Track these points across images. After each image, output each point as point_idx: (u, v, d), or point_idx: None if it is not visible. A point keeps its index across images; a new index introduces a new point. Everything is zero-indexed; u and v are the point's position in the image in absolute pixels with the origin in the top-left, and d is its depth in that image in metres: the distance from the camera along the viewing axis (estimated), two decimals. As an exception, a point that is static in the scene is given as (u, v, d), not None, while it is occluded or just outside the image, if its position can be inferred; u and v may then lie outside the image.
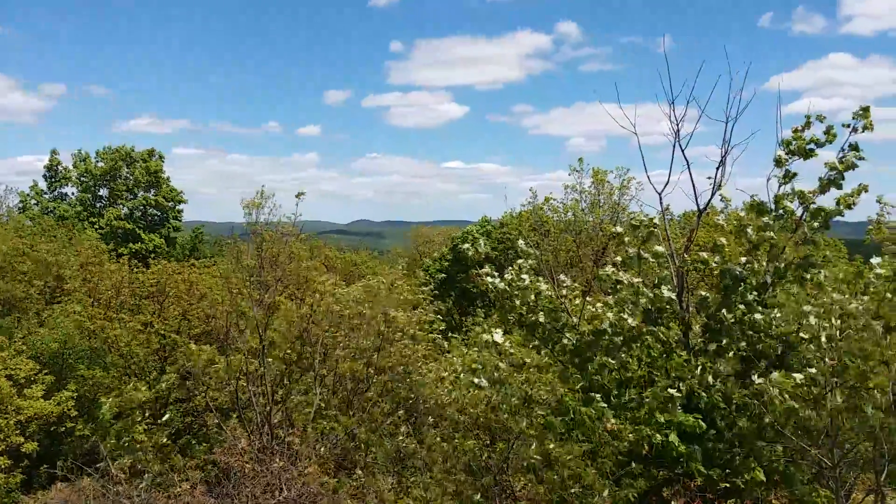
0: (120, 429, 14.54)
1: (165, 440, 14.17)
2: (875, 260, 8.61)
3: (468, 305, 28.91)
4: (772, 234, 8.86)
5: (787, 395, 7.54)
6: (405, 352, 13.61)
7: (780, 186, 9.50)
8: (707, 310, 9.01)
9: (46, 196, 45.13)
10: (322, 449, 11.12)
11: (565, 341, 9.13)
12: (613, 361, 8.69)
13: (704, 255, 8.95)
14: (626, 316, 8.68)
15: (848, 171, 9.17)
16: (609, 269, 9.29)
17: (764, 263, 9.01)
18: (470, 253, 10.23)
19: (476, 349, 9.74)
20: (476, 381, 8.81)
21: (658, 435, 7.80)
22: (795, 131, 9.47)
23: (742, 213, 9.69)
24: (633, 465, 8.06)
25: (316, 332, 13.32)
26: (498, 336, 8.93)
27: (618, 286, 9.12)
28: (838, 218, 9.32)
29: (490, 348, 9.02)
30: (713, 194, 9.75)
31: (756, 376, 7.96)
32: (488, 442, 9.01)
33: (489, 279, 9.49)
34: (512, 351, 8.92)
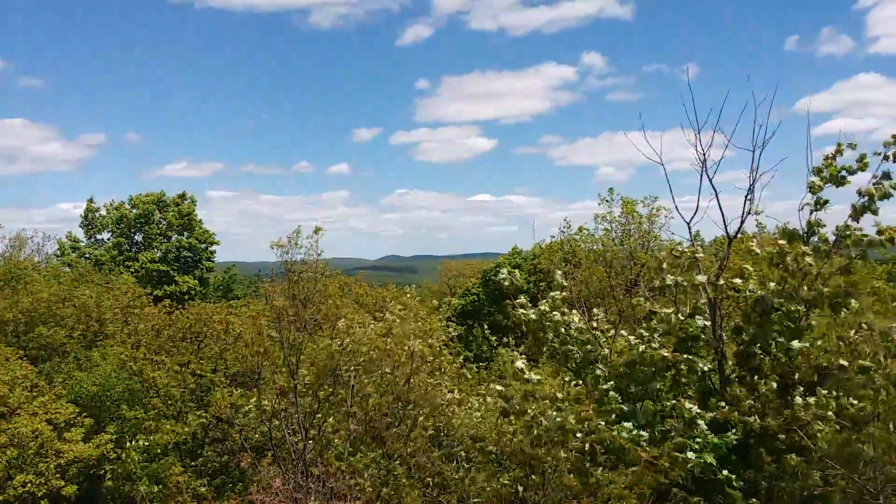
0: (155, 470, 14.68)
1: (203, 489, 14.25)
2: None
3: (500, 337, 28.86)
4: (810, 261, 8.75)
5: (830, 423, 7.40)
6: (432, 382, 13.62)
7: (811, 213, 9.41)
8: (741, 338, 8.90)
9: (83, 243, 46.34)
10: (356, 487, 11.11)
11: (598, 372, 9.08)
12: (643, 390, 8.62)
13: (738, 281, 8.87)
14: (655, 346, 8.61)
15: (883, 199, 9.06)
16: (642, 299, 9.23)
17: (802, 291, 8.89)
18: (506, 283, 10.28)
19: (504, 380, 9.72)
20: (506, 406, 8.76)
21: (693, 455, 7.68)
22: (827, 158, 9.40)
23: (778, 240, 9.60)
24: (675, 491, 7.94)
25: (346, 368, 13.42)
26: (520, 363, 8.90)
27: (652, 316, 9.06)
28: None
29: (518, 379, 9.00)
30: (742, 222, 9.70)
31: (798, 398, 7.83)
32: (522, 475, 8.95)
33: (521, 311, 9.50)
34: (537, 379, 8.88)
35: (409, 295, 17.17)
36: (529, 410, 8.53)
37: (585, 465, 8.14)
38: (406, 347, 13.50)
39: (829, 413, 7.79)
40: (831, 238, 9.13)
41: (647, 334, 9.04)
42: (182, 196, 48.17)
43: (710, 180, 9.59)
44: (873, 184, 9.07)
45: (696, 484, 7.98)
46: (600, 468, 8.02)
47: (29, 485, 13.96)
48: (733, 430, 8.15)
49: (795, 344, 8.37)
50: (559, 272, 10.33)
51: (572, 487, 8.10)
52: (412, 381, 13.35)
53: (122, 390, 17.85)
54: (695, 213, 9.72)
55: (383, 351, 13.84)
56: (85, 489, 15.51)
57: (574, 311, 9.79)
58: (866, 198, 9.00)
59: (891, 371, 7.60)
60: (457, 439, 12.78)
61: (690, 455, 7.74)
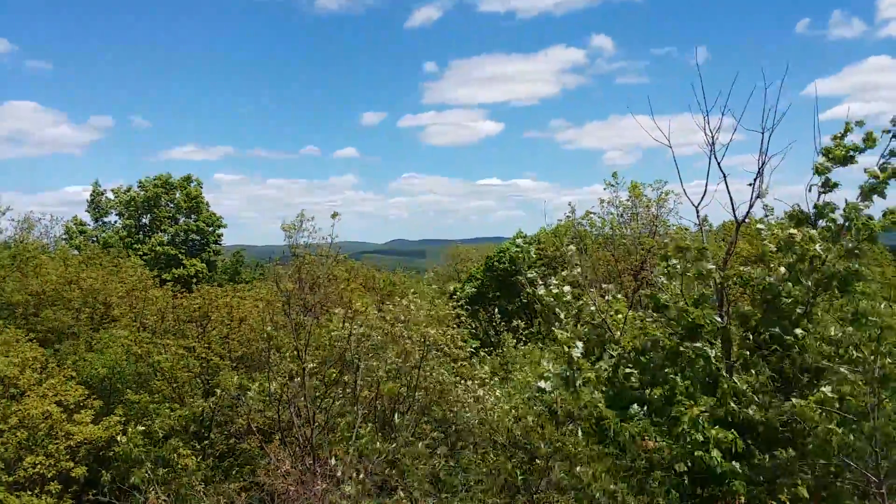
0: (159, 453, 14.78)
1: (210, 472, 14.32)
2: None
3: (506, 321, 28.83)
4: (817, 246, 8.67)
5: (825, 416, 7.38)
6: (441, 369, 13.64)
7: (819, 196, 9.32)
8: (748, 325, 8.85)
9: (90, 226, 46.47)
10: (362, 474, 11.16)
11: (607, 357, 9.06)
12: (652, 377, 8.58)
13: (745, 269, 8.79)
14: (664, 334, 8.56)
15: (891, 178, 8.95)
16: (648, 291, 9.15)
17: (808, 276, 8.80)
18: (519, 257, 10.24)
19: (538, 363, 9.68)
20: (543, 384, 8.74)
21: (698, 452, 7.66)
22: (835, 138, 9.29)
23: (784, 224, 9.52)
24: (673, 480, 7.93)
25: (354, 352, 13.44)
26: (577, 351, 8.82)
27: (663, 308, 8.99)
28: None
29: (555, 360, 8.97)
30: (751, 207, 9.61)
31: (796, 394, 7.79)
32: (526, 460, 8.95)
33: (541, 290, 9.44)
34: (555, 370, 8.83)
35: (426, 282, 17.19)
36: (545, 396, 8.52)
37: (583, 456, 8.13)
38: (419, 333, 13.52)
39: (832, 404, 7.75)
40: (840, 221, 9.05)
41: (652, 320, 8.99)
42: (188, 179, 48.16)
43: (719, 164, 9.51)
44: (880, 165, 8.97)
45: (699, 473, 7.96)
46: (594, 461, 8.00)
47: (39, 466, 14.08)
48: (736, 426, 8.09)
49: (800, 331, 8.31)
50: (572, 248, 10.25)
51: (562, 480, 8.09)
52: (422, 367, 13.38)
53: (130, 373, 17.97)
54: (703, 197, 9.65)
55: (395, 336, 13.86)
56: (95, 471, 15.63)
57: (588, 292, 9.75)
58: (874, 178, 8.90)
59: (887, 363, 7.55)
60: (466, 426, 12.81)
61: (699, 452, 7.72)
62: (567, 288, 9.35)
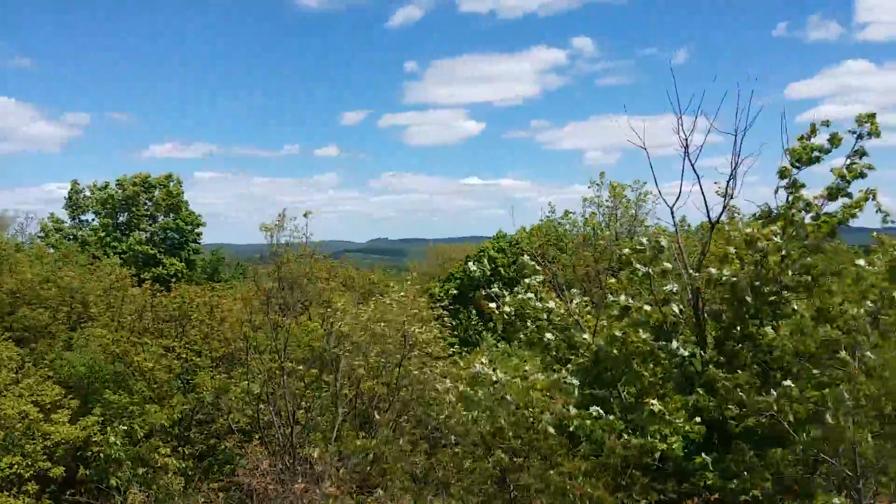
0: (139, 453, 14.70)
1: (190, 472, 14.29)
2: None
3: (486, 321, 28.99)
4: (778, 240, 8.83)
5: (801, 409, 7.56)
6: (423, 369, 13.71)
7: (787, 197, 9.50)
8: (721, 323, 9.02)
9: (67, 224, 45.94)
10: (342, 469, 11.22)
11: (577, 359, 9.17)
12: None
13: (713, 270, 8.95)
14: (631, 333, 8.69)
15: (857, 179, 9.14)
16: (619, 297, 9.25)
17: (783, 274, 8.97)
18: (477, 274, 10.36)
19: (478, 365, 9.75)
20: (476, 398, 8.79)
21: (660, 444, 7.81)
22: (801, 139, 9.47)
23: (750, 224, 9.71)
24: (643, 477, 8.07)
25: (334, 351, 13.49)
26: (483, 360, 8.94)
27: (627, 312, 9.11)
28: (853, 223, 9.26)
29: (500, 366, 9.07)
30: (724, 207, 9.81)
31: (773, 392, 7.97)
32: (505, 459, 9.05)
33: (494, 305, 9.55)
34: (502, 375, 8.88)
35: (408, 281, 17.29)
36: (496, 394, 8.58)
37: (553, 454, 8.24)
38: (400, 332, 13.58)
39: (807, 402, 7.93)
40: (807, 220, 9.23)
41: (613, 319, 9.09)
42: (168, 177, 47.78)
43: (693, 165, 9.69)
44: (846, 165, 9.15)
45: (672, 467, 8.12)
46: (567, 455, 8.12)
47: (16, 466, 13.97)
48: (701, 418, 8.23)
49: (769, 331, 8.48)
50: (527, 257, 10.38)
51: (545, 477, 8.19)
52: (403, 365, 13.44)
53: (108, 373, 17.83)
54: (678, 199, 9.83)
55: (376, 335, 13.91)
56: (72, 470, 15.53)
57: (553, 297, 9.87)
58: (840, 179, 9.10)
59: (866, 360, 7.74)
60: (444, 424, 12.89)
61: (658, 442, 7.86)
62: (531, 295, 9.46)
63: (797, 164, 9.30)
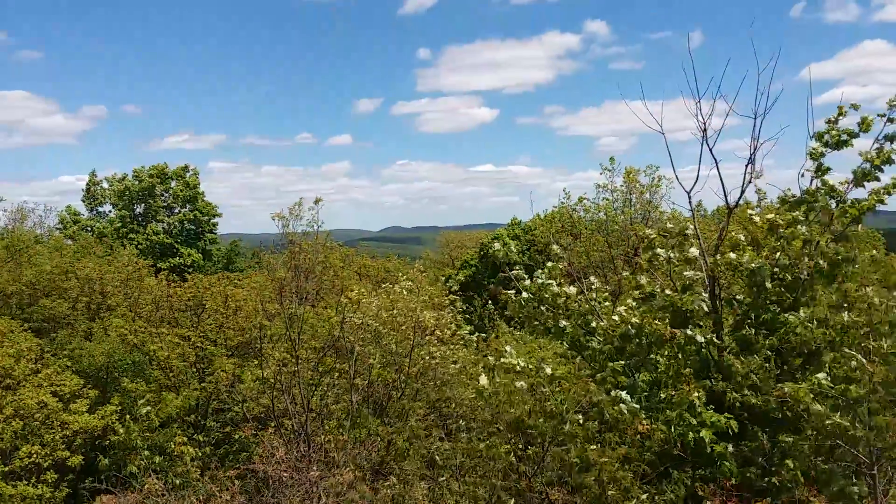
0: (157, 440, 14.82)
1: (206, 459, 14.39)
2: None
3: (502, 309, 28.90)
4: (804, 229, 8.67)
5: (818, 399, 7.44)
6: (435, 354, 13.68)
7: (811, 181, 9.32)
8: (739, 310, 8.89)
9: (84, 216, 46.36)
10: (358, 457, 11.22)
11: (595, 345, 9.09)
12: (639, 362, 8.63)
13: (733, 255, 8.81)
14: (649, 321, 8.58)
15: (886, 164, 8.92)
16: (641, 278, 9.14)
17: (802, 260, 8.81)
18: (500, 254, 10.25)
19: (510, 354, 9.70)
20: (518, 384, 8.74)
21: (691, 433, 7.73)
22: (829, 122, 9.27)
23: (775, 207, 9.53)
24: (670, 468, 7.99)
25: (349, 339, 13.48)
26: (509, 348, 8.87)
27: (651, 298, 8.99)
28: (880, 208, 9.06)
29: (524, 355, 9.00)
30: (742, 192, 9.62)
31: (789, 377, 7.85)
32: (521, 446, 9.00)
33: (512, 294, 9.46)
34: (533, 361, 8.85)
35: (417, 268, 17.24)
36: (524, 383, 8.55)
37: (581, 442, 8.17)
38: (412, 319, 13.55)
39: (825, 389, 7.80)
40: (832, 205, 9.05)
41: (636, 305, 9.00)
42: (185, 168, 48.06)
43: (711, 149, 9.51)
44: (875, 149, 8.95)
45: (691, 456, 8.03)
46: (596, 444, 8.05)
47: (35, 455, 14.11)
48: (728, 408, 8.14)
49: (791, 317, 8.33)
50: (556, 246, 10.30)
51: (570, 464, 8.13)
52: (415, 353, 13.42)
53: (128, 362, 17.99)
54: (695, 183, 9.66)
55: (388, 323, 13.89)
56: (92, 459, 15.69)
57: (571, 285, 9.77)
58: (868, 163, 8.89)
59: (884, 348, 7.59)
60: (458, 410, 12.87)
61: (690, 435, 7.77)
62: (550, 281, 9.36)
63: (826, 148, 9.10)
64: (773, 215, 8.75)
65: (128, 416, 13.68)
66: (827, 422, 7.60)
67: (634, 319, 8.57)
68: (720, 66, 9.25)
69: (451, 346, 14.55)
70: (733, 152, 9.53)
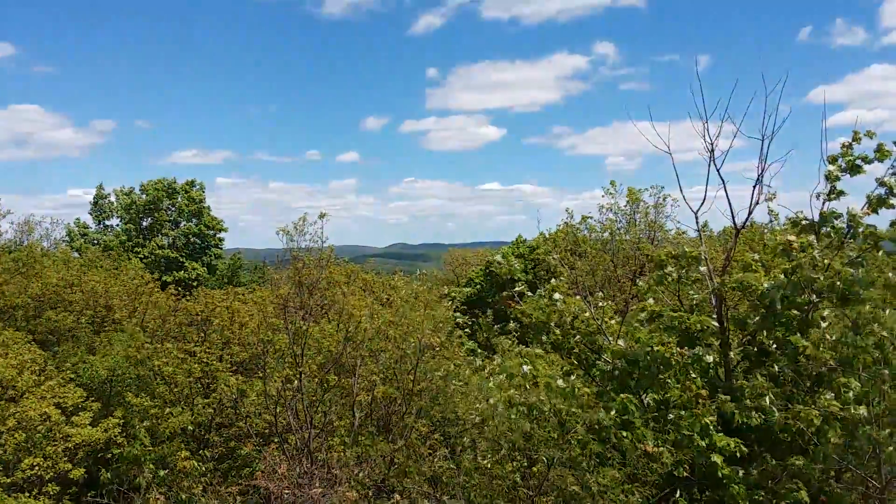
0: (161, 454, 14.76)
1: (209, 474, 14.34)
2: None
3: (503, 325, 28.83)
4: (815, 252, 8.64)
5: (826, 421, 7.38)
6: (439, 369, 13.62)
7: (823, 204, 9.29)
8: (747, 331, 8.85)
9: (91, 229, 46.61)
10: (361, 474, 11.16)
11: (601, 364, 9.05)
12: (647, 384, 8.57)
13: (742, 275, 8.78)
14: (658, 342, 8.54)
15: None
16: (647, 300, 9.10)
17: (815, 283, 8.75)
18: (503, 271, 10.25)
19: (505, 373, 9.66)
20: (513, 414, 8.69)
21: (700, 457, 7.66)
22: (844, 146, 9.28)
23: (786, 232, 9.50)
24: (677, 491, 7.92)
25: (352, 356, 13.45)
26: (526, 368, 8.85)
27: (658, 318, 8.96)
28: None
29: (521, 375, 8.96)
30: (750, 213, 9.64)
31: (798, 399, 7.79)
32: (525, 464, 8.94)
33: (524, 307, 9.45)
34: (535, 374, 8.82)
35: (417, 283, 17.24)
36: (531, 398, 8.50)
37: (584, 463, 8.10)
38: (413, 336, 13.50)
39: (835, 409, 7.74)
40: (845, 229, 9.03)
41: (643, 326, 8.96)
42: (191, 183, 48.34)
43: (718, 171, 9.54)
44: (893, 174, 8.94)
45: (699, 478, 7.96)
46: (598, 466, 7.98)
47: (37, 468, 14.04)
48: (737, 430, 8.08)
49: (800, 340, 8.28)
50: (553, 256, 10.30)
51: (570, 488, 8.06)
52: (419, 369, 13.36)
53: (132, 376, 17.97)
54: (702, 204, 9.68)
55: (390, 339, 13.85)
56: (94, 472, 15.63)
57: (580, 299, 9.74)
58: (884, 189, 8.87)
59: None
60: (462, 428, 12.80)
61: (700, 459, 7.70)
62: (557, 295, 9.34)
63: (842, 172, 9.11)
64: (793, 237, 8.72)
65: (140, 429, 13.64)
66: (833, 440, 7.55)
67: (641, 336, 8.52)
68: (727, 89, 9.30)
69: (457, 363, 14.49)
70: (741, 173, 9.57)
